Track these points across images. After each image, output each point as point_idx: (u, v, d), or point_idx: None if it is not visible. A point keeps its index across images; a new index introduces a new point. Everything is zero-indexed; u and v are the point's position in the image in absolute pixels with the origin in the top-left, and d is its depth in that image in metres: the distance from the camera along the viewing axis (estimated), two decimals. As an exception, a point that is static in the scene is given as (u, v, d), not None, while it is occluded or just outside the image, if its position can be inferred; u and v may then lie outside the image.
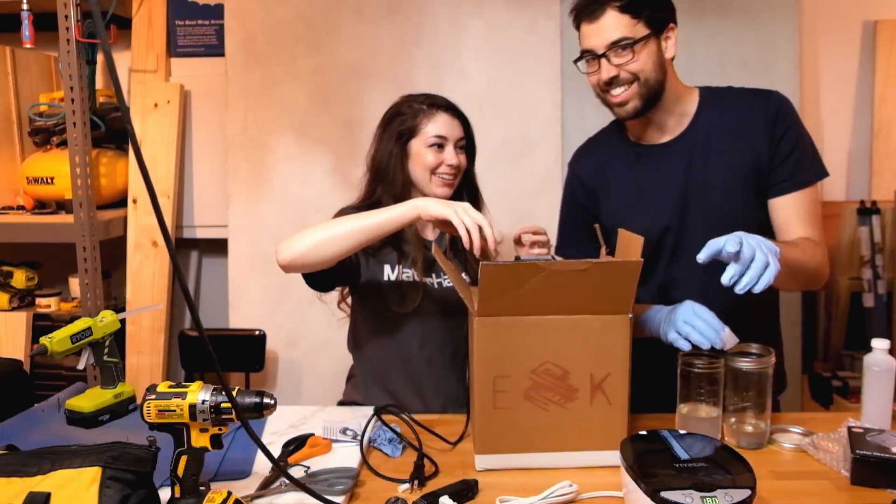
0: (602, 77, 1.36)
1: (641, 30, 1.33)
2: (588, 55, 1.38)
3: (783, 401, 1.58)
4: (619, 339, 1.16)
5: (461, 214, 1.29)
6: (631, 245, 1.27)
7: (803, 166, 1.40)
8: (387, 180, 1.55)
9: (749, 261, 1.10)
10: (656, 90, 1.38)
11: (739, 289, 1.10)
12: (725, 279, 1.10)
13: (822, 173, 1.42)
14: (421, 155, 1.53)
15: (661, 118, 1.44)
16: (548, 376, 1.16)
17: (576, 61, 1.41)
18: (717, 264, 1.41)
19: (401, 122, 1.56)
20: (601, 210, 1.52)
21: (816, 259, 1.35)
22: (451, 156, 1.53)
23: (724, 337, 1.21)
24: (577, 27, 1.40)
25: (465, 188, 1.62)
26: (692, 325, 1.23)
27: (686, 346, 1.23)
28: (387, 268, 1.54)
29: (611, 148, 1.54)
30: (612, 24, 1.33)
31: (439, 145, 1.53)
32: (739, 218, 1.38)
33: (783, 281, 1.26)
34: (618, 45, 1.33)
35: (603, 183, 1.52)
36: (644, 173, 1.47)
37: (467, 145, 1.59)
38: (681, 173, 1.43)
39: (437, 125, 1.53)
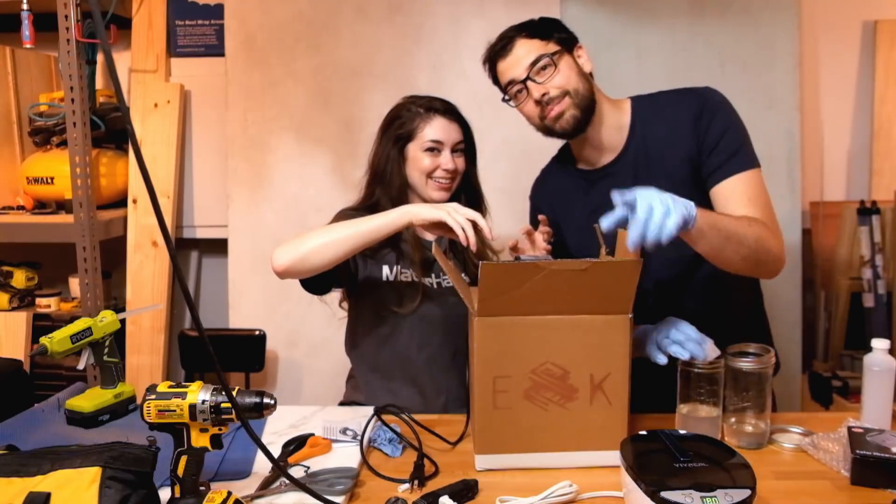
0: (534, 96, 1.38)
1: (553, 47, 1.38)
2: (512, 87, 1.41)
3: (782, 400, 1.58)
4: (619, 339, 1.16)
5: (453, 214, 1.30)
6: None
7: (734, 152, 1.36)
8: (384, 183, 1.56)
9: (645, 218, 1.04)
10: (588, 100, 1.39)
11: (648, 244, 1.05)
12: (630, 245, 1.05)
13: (754, 161, 1.37)
14: (417, 159, 1.54)
15: (598, 135, 1.44)
16: (548, 376, 1.16)
17: (504, 100, 1.45)
18: (682, 268, 1.39)
19: (399, 125, 1.56)
20: (566, 237, 1.52)
21: (756, 231, 1.26)
22: (447, 160, 1.53)
23: (707, 349, 1.22)
24: (494, 72, 1.44)
25: (465, 191, 1.62)
26: (675, 340, 1.24)
27: (663, 361, 1.25)
28: (385, 268, 1.54)
29: (563, 177, 1.55)
30: (526, 50, 1.38)
31: (435, 149, 1.53)
32: None
33: (718, 245, 1.21)
34: (537, 65, 1.37)
35: (561, 213, 1.53)
36: (597, 197, 1.46)
37: (467, 148, 1.59)
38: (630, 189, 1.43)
39: (434, 129, 1.53)
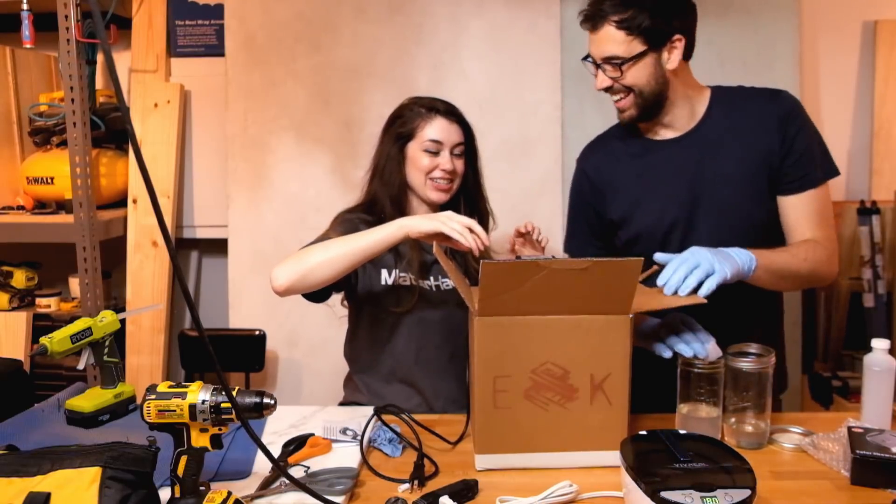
0: (598, 84, 1.41)
1: (636, 47, 1.35)
2: (588, 59, 1.42)
3: (782, 400, 1.58)
4: (619, 339, 1.16)
5: (448, 223, 1.31)
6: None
7: (815, 165, 1.41)
8: (384, 182, 1.57)
9: (689, 264, 1.20)
10: (653, 102, 1.40)
11: (667, 290, 1.20)
12: (659, 282, 1.21)
13: (832, 171, 1.43)
14: (417, 158, 1.54)
15: (669, 117, 1.45)
16: (548, 376, 1.16)
17: (584, 59, 1.44)
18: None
19: (400, 124, 1.57)
20: (608, 207, 1.52)
21: (812, 261, 1.36)
22: (445, 161, 1.53)
23: (709, 349, 1.22)
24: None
25: (466, 195, 1.61)
26: (677, 334, 1.25)
27: (668, 354, 1.25)
28: (384, 272, 1.54)
29: (619, 144, 1.54)
30: (607, 39, 1.35)
31: (435, 150, 1.53)
32: (749, 213, 1.41)
33: (771, 283, 1.34)
34: (610, 62, 1.37)
35: (610, 180, 1.52)
36: (653, 168, 1.48)
37: (468, 151, 1.59)
38: (691, 168, 1.44)
39: (434, 129, 1.54)
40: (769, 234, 1.42)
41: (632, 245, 1.48)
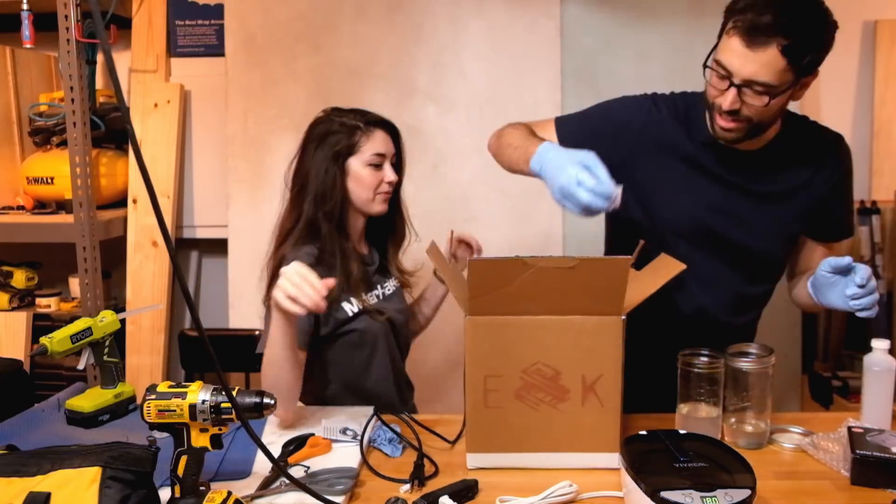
0: (724, 105, 1.25)
1: (788, 78, 1.22)
2: (722, 70, 1.25)
3: (783, 400, 1.58)
4: (611, 340, 1.15)
5: (283, 289, 1.19)
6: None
7: (851, 219, 1.44)
8: (323, 200, 1.49)
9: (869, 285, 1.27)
10: (761, 129, 1.31)
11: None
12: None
13: (851, 232, 1.46)
14: (361, 174, 1.50)
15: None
16: (539, 376, 1.16)
17: (705, 65, 1.29)
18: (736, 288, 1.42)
19: (336, 140, 1.51)
20: (622, 167, 1.28)
21: None
22: (390, 173, 1.53)
23: (615, 196, 1.13)
24: (727, 31, 1.24)
25: (394, 202, 1.61)
26: (579, 181, 1.12)
27: (573, 209, 1.14)
28: (346, 306, 1.50)
29: (685, 123, 1.42)
30: (767, 62, 1.19)
31: (379, 163, 1.52)
32: (764, 250, 1.42)
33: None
34: (757, 88, 1.22)
35: (650, 148, 1.41)
36: (702, 164, 1.39)
37: (398, 160, 1.60)
38: (738, 182, 1.38)
39: (376, 143, 1.52)
40: (769, 267, 1.46)
41: (634, 229, 1.41)
